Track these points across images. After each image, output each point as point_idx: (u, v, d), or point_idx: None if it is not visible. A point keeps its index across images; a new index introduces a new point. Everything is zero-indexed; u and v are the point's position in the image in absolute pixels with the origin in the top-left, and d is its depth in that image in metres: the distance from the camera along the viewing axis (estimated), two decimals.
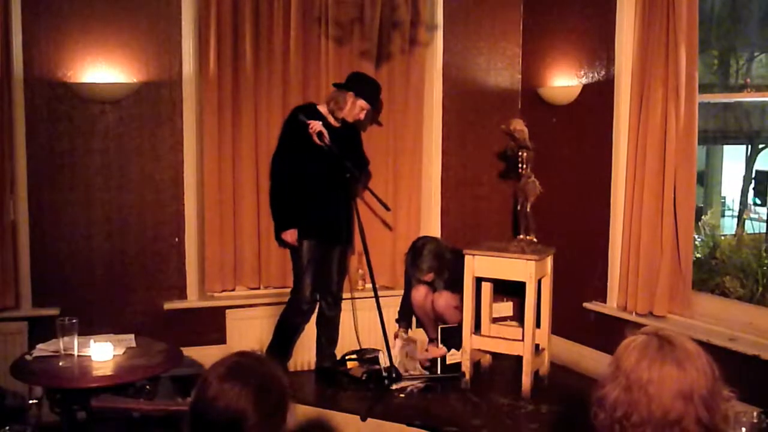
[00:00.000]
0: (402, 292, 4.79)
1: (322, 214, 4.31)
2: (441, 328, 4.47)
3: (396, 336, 4.63)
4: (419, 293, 4.65)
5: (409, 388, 4.28)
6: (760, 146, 8.53)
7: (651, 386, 1.42)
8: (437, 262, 4.51)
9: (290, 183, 4.28)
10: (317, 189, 4.29)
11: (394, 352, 4.43)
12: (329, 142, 4.14)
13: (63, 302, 4.12)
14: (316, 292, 4.38)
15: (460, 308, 4.43)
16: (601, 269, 4.51)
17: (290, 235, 4.29)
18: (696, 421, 1.41)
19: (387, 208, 4.51)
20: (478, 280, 4.40)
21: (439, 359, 4.45)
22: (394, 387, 4.25)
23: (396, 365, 4.33)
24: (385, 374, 4.25)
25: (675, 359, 1.44)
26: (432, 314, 4.67)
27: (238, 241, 4.60)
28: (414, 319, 4.80)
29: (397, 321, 4.72)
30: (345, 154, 4.20)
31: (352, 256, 4.77)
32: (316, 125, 4.14)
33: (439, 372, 4.43)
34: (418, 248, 4.55)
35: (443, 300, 4.53)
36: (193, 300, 4.50)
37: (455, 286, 4.44)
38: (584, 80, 4.67)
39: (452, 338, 4.40)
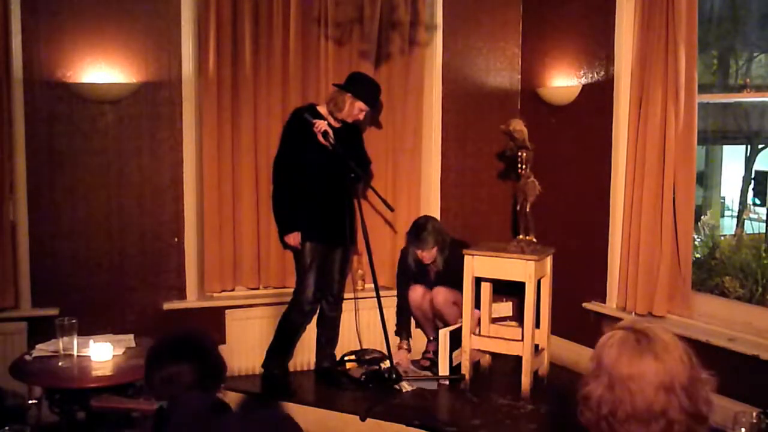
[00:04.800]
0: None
1: (325, 216, 4.31)
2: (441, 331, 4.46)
3: (400, 348, 4.63)
4: (416, 293, 4.64)
5: (408, 389, 4.28)
6: (760, 146, 8.53)
7: (632, 382, 1.46)
8: (441, 238, 4.52)
9: (293, 185, 4.27)
10: (320, 190, 4.29)
11: (402, 361, 4.52)
12: (334, 141, 4.14)
13: (62, 302, 4.12)
14: (318, 292, 4.38)
15: (459, 304, 4.42)
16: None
17: (293, 239, 4.29)
18: (680, 410, 1.45)
19: (390, 209, 4.51)
20: (478, 280, 4.40)
21: (438, 360, 4.45)
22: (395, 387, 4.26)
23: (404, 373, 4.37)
24: (385, 375, 4.26)
25: (653, 352, 1.47)
26: (430, 314, 4.66)
27: (237, 241, 4.60)
28: (413, 322, 4.79)
29: (397, 333, 4.68)
30: (349, 154, 4.20)
31: (353, 256, 4.77)
32: (321, 124, 4.14)
33: (439, 373, 4.43)
34: (421, 224, 4.56)
35: (442, 296, 4.52)
36: (192, 300, 4.50)
37: (454, 281, 4.42)
38: (584, 80, 4.68)
39: (453, 339, 4.40)
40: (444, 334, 4.38)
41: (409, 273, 4.67)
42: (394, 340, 4.61)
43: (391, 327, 4.59)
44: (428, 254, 4.52)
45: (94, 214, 4.29)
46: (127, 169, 4.34)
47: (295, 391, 4.31)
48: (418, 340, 4.81)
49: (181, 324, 4.36)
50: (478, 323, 4.52)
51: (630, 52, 4.29)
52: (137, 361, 3.30)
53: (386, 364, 4.32)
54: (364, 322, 4.68)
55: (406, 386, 4.28)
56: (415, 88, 4.91)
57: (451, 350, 4.39)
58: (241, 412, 2.53)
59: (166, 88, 4.37)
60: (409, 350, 4.66)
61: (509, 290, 4.89)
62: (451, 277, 4.42)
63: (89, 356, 3.32)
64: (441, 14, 4.94)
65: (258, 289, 4.69)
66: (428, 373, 4.52)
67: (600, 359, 1.52)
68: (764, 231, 7.29)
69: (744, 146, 8.77)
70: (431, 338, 4.76)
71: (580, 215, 4.73)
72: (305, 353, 4.59)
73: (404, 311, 4.70)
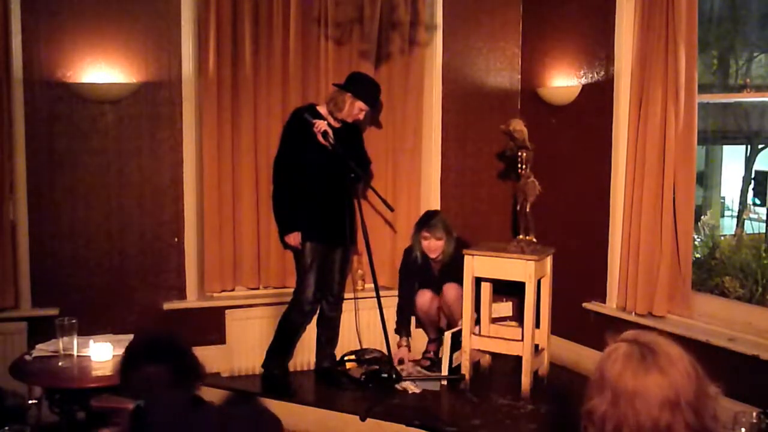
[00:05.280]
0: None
1: (325, 216, 4.31)
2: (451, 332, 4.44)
3: (399, 346, 4.60)
4: (424, 298, 4.61)
5: (415, 390, 4.28)
6: (760, 146, 8.54)
7: (637, 399, 1.43)
8: (448, 230, 4.52)
9: (293, 185, 4.27)
10: (320, 190, 4.29)
11: (404, 357, 4.52)
12: (334, 141, 4.14)
13: (62, 302, 4.12)
14: (318, 292, 4.38)
15: None
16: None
17: (293, 239, 4.29)
18: (685, 427, 1.42)
19: (390, 209, 4.51)
20: (478, 280, 4.40)
21: (438, 360, 4.45)
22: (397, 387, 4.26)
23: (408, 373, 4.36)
24: (384, 374, 4.26)
25: (658, 367, 1.44)
26: (436, 317, 4.66)
27: (237, 241, 4.60)
28: (413, 320, 4.78)
29: (397, 332, 4.66)
30: (349, 154, 4.20)
31: (353, 256, 4.77)
32: (321, 124, 4.14)
33: (439, 372, 4.43)
34: (431, 213, 4.61)
35: (454, 291, 4.48)
36: (192, 300, 4.50)
37: (458, 279, 4.40)
38: (584, 80, 4.68)
39: (457, 340, 4.39)
40: (448, 335, 4.38)
41: (413, 270, 4.64)
42: (393, 338, 4.60)
43: (391, 327, 4.58)
44: (436, 244, 4.50)
45: (94, 214, 4.29)
46: (127, 169, 4.34)
47: (295, 391, 4.31)
48: (419, 340, 4.81)
49: (182, 324, 4.37)
50: (476, 324, 4.52)
51: (630, 52, 4.29)
52: None
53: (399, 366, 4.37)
54: (364, 322, 4.68)
55: (412, 387, 4.28)
56: (415, 88, 4.90)
57: (452, 351, 4.39)
58: (219, 406, 2.55)
59: (166, 88, 4.37)
60: (408, 348, 4.65)
61: (509, 290, 4.89)
62: (456, 275, 4.41)
63: (89, 356, 3.32)
64: (441, 14, 4.94)
65: (258, 289, 4.69)
66: (429, 373, 4.51)
67: (603, 373, 1.49)
68: (764, 231, 7.29)
69: (744, 146, 8.78)
70: (432, 338, 4.76)
71: (580, 215, 4.73)
72: (305, 353, 4.59)
73: (404, 310, 4.69)
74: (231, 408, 2.64)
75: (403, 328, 4.67)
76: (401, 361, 4.54)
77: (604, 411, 1.46)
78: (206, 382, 4.31)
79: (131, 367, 2.09)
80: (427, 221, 4.54)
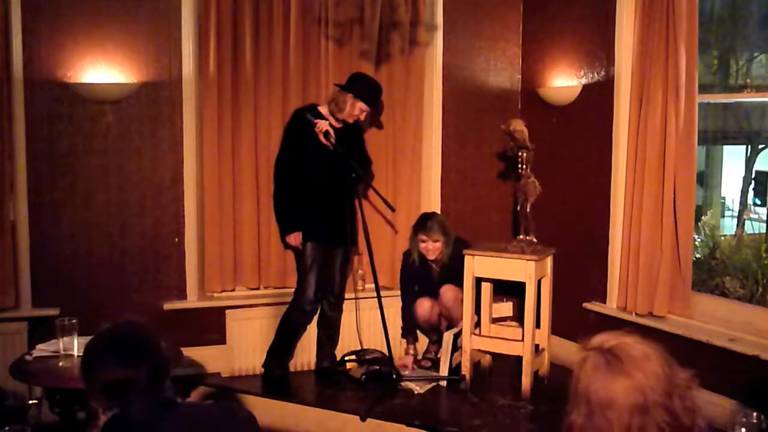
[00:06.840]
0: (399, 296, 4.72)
1: (326, 216, 4.31)
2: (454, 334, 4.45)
3: (407, 353, 4.62)
4: (424, 308, 4.60)
5: (420, 391, 4.27)
6: (760, 147, 8.54)
7: (608, 409, 1.44)
8: (446, 231, 4.51)
9: (294, 185, 4.27)
10: (321, 190, 4.29)
11: (408, 365, 4.52)
12: (335, 141, 4.14)
13: (63, 302, 4.12)
14: (319, 292, 4.38)
15: None
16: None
17: (294, 238, 4.29)
18: (657, 428, 1.42)
19: (392, 209, 4.51)
20: (478, 281, 4.39)
21: (439, 361, 4.45)
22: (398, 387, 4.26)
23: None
24: (385, 375, 4.26)
25: (624, 372, 1.45)
26: (436, 323, 4.65)
27: (237, 241, 4.60)
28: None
29: (404, 336, 4.67)
30: (350, 154, 4.20)
31: (354, 256, 4.77)
32: (322, 124, 4.15)
33: (440, 373, 4.43)
34: (427, 215, 4.59)
35: (451, 293, 4.48)
36: (193, 300, 4.50)
37: (458, 280, 4.40)
38: (584, 80, 4.68)
39: (457, 341, 4.39)
40: (448, 335, 4.38)
41: (412, 274, 4.63)
42: (399, 341, 4.62)
43: (391, 327, 4.56)
44: (433, 246, 4.49)
45: (94, 214, 4.29)
46: (127, 169, 4.34)
47: (296, 391, 4.32)
48: (420, 341, 4.80)
49: (182, 324, 4.37)
50: (476, 326, 4.51)
51: (630, 52, 4.29)
52: None
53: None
54: (364, 322, 4.68)
55: (417, 388, 4.27)
56: (416, 89, 4.90)
57: (452, 352, 4.39)
58: (192, 406, 2.49)
59: (166, 88, 4.37)
60: (416, 355, 4.64)
61: (509, 290, 4.89)
62: (455, 276, 4.41)
63: None
64: (441, 14, 4.94)
65: (258, 289, 4.69)
66: (430, 373, 4.52)
67: (577, 386, 1.51)
68: (764, 231, 7.30)
69: (744, 146, 8.78)
70: (433, 340, 4.76)
71: (580, 215, 4.73)
72: (305, 353, 4.59)
73: (408, 316, 4.67)
74: (204, 406, 2.55)
75: (409, 334, 4.66)
76: (404, 368, 4.51)
77: (582, 425, 1.49)
78: (206, 382, 4.34)
79: (103, 371, 1.86)
80: (422, 224, 4.53)
